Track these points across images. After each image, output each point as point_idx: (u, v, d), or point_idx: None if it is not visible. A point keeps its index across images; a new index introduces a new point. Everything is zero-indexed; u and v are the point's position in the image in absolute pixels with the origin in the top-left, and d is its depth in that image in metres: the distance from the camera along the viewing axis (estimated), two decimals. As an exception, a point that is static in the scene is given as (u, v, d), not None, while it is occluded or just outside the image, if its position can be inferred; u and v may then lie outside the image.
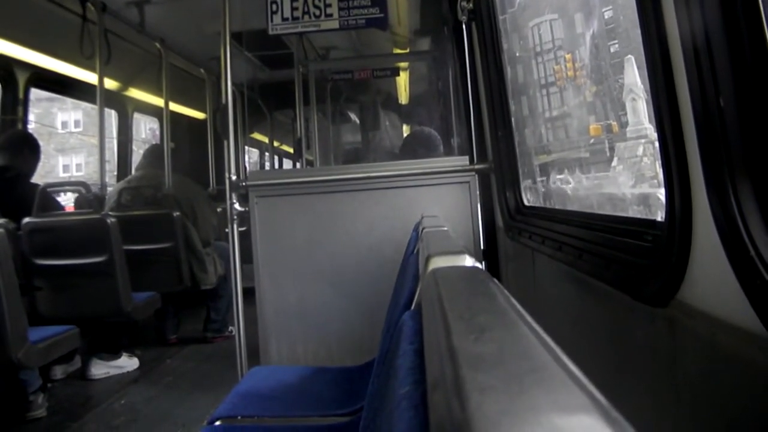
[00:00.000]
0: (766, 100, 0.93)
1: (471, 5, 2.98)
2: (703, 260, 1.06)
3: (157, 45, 5.57)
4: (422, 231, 1.66)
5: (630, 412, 0.33)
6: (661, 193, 1.27)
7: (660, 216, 1.28)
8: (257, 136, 10.38)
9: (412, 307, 1.04)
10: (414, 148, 3.79)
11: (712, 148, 0.99)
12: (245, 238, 3.09)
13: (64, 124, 27.52)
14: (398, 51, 7.08)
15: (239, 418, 2.08)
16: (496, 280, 0.71)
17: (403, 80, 8.21)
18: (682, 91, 1.06)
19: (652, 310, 1.20)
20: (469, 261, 0.89)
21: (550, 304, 2.15)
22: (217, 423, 2.03)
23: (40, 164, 4.56)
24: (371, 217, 3.02)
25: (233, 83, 3.17)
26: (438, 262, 0.88)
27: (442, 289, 0.67)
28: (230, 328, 5.07)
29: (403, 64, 7.48)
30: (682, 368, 1.12)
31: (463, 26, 3.17)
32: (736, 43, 0.95)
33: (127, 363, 4.40)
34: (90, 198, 4.23)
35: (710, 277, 1.03)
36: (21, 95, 4.70)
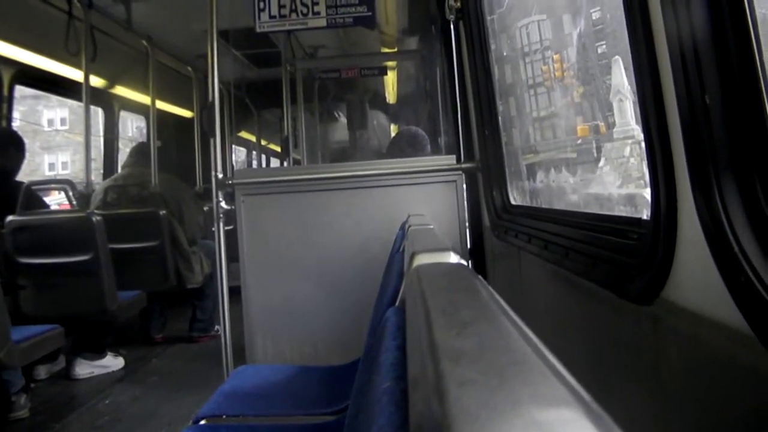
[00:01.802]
0: (751, 98, 0.93)
1: (459, 4, 2.98)
2: (688, 258, 1.06)
3: (144, 42, 5.54)
4: (408, 229, 1.66)
5: (614, 409, 0.33)
6: (647, 193, 1.27)
7: (645, 215, 1.28)
8: (245, 134, 10.37)
9: (396, 304, 1.03)
10: (401, 147, 3.79)
11: (697, 146, 0.99)
12: (231, 236, 3.07)
13: (50, 122, 27.28)
14: (386, 50, 7.08)
15: (224, 417, 2.07)
16: (480, 277, 0.71)
17: (390, 79, 8.22)
18: (667, 89, 1.07)
19: (637, 308, 1.20)
20: (453, 258, 0.89)
21: (536, 303, 2.15)
22: (202, 422, 2.02)
23: (25, 162, 4.52)
24: (358, 216, 3.01)
25: (220, 81, 3.15)
26: (422, 259, 0.88)
27: (425, 285, 0.66)
28: (216, 327, 5.04)
29: (390, 63, 7.49)
30: (666, 365, 1.13)
31: (451, 25, 3.17)
32: (721, 42, 0.95)
33: (112, 362, 4.37)
34: (75, 196, 4.20)
35: (695, 275, 1.04)
36: (5, 92, 4.66)
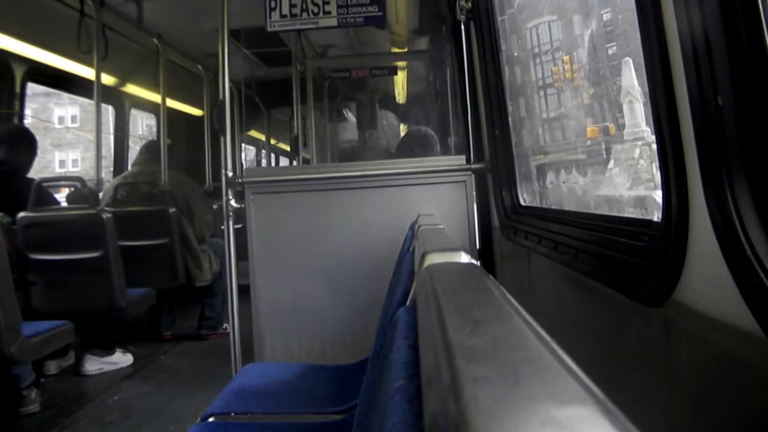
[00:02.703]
0: (764, 99, 0.93)
1: (470, 5, 2.98)
2: (699, 260, 1.06)
3: (155, 41, 5.56)
4: (418, 229, 1.66)
5: (625, 411, 0.33)
6: (657, 195, 1.27)
7: (656, 217, 1.28)
8: (254, 133, 10.38)
9: (407, 304, 1.03)
10: (411, 147, 3.78)
11: (709, 148, 0.99)
12: (241, 234, 3.08)
13: (61, 120, 27.40)
14: (396, 50, 7.07)
15: (232, 414, 2.07)
16: (491, 276, 0.71)
17: (400, 79, 8.20)
18: (680, 89, 1.06)
19: (647, 309, 1.20)
20: (464, 257, 0.89)
21: (546, 304, 2.15)
22: (210, 419, 2.03)
23: (36, 159, 4.54)
24: (367, 215, 3.01)
25: (231, 80, 3.16)
26: (433, 259, 0.88)
27: (437, 284, 0.66)
28: (225, 325, 5.07)
29: (401, 63, 7.48)
30: (676, 368, 1.12)
31: (462, 26, 3.17)
32: (734, 42, 0.95)
33: (121, 359, 4.39)
34: (86, 193, 4.22)
35: (706, 277, 1.03)
36: (18, 90, 4.68)
